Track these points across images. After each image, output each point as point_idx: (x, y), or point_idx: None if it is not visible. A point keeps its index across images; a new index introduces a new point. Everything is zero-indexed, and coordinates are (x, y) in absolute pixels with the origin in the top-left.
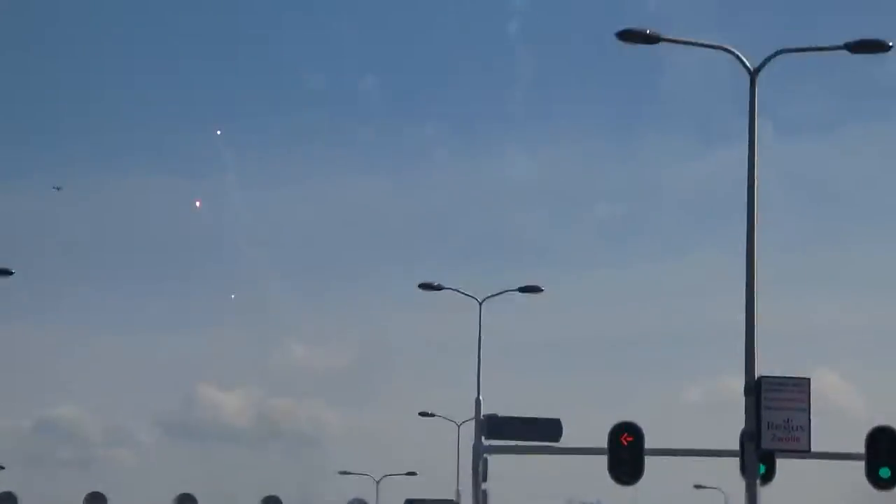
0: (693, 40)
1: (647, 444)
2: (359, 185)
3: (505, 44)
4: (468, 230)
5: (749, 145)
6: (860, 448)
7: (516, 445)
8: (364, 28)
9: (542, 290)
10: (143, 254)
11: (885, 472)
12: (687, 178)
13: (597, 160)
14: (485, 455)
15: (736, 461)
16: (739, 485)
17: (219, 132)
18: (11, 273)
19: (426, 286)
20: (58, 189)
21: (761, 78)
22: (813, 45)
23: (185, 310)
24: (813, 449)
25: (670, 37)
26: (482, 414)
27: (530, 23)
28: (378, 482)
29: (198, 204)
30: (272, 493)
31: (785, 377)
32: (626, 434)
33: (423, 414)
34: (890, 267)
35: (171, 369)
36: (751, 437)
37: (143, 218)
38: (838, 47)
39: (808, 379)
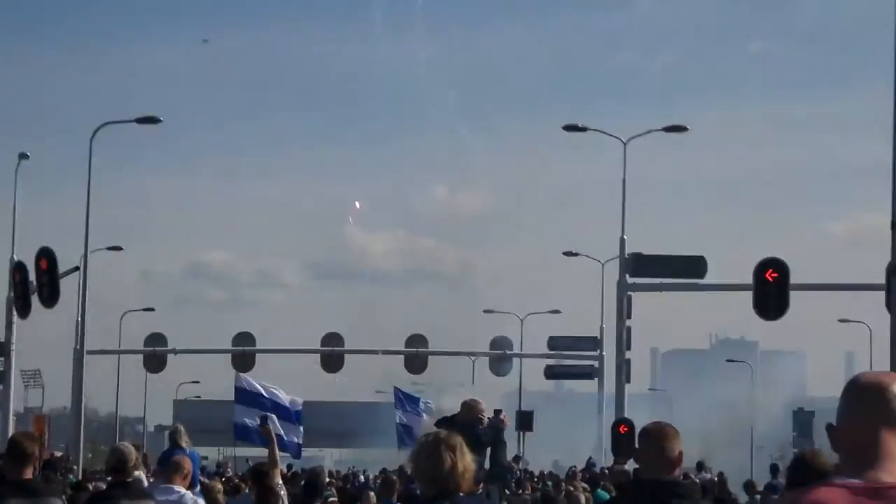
0: None
1: (792, 280)
2: (504, 31)
3: None
4: (612, 69)
5: None
6: None
7: (660, 283)
8: None
9: (688, 129)
10: (295, 102)
11: None
12: (836, 17)
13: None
14: (629, 293)
15: (881, 295)
16: (884, 318)
17: None
18: (159, 120)
19: (570, 127)
20: (205, 41)
21: None
22: None
23: (330, 155)
24: None
25: None
26: (626, 252)
27: None
28: (522, 320)
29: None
30: (418, 332)
31: None
32: (771, 269)
33: (567, 253)
34: None
35: (319, 214)
36: None
37: (293, 66)
38: None
39: None
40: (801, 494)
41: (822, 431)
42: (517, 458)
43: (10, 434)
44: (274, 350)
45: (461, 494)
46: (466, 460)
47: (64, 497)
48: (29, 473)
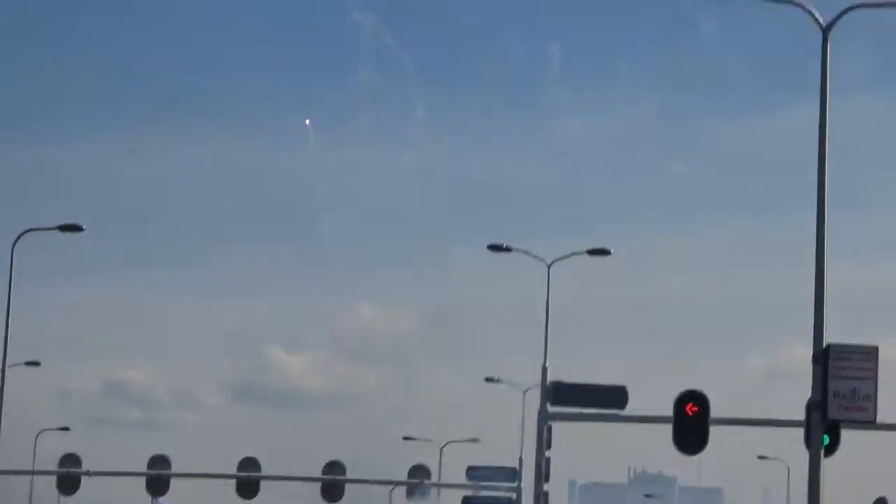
0: None
1: (713, 414)
2: (423, 150)
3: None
4: (537, 193)
5: (821, 103)
6: None
7: (581, 413)
8: None
9: (611, 253)
10: (213, 216)
11: None
12: (753, 140)
13: (664, 119)
14: (549, 422)
15: (800, 431)
16: (803, 455)
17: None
18: (82, 229)
19: (495, 247)
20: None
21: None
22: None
23: (251, 276)
24: (879, 420)
25: None
26: (548, 380)
27: None
28: (442, 448)
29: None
30: (335, 458)
31: (853, 345)
32: (691, 403)
33: (488, 379)
34: None
35: (239, 334)
36: (817, 406)
37: (212, 181)
38: None
39: (877, 347)
40: None
41: None
42: None
43: None
44: (189, 474)
45: None
46: None
47: None
48: None
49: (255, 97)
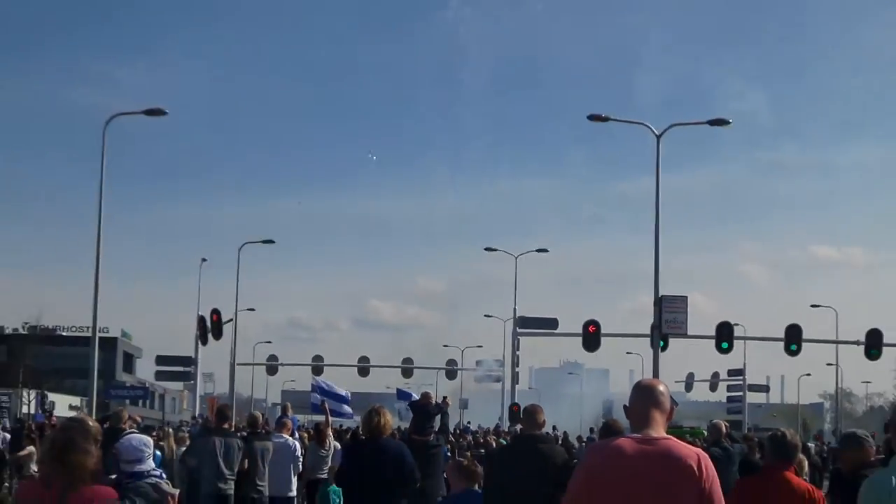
0: (617, 118)
1: (606, 330)
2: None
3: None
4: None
5: (656, 189)
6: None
7: (534, 332)
8: None
9: None
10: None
11: (724, 345)
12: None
13: None
14: (518, 338)
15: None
16: (649, 353)
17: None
18: None
19: None
20: None
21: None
22: (693, 121)
23: None
24: (689, 333)
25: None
26: (517, 316)
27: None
28: (462, 351)
29: None
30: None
31: (674, 295)
32: (592, 325)
33: (486, 315)
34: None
35: None
36: (656, 326)
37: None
38: (702, 122)
39: (686, 297)
40: (607, 441)
41: (621, 411)
42: (464, 427)
43: (198, 409)
44: (337, 364)
45: (387, 437)
46: (387, 418)
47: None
48: (226, 425)
49: None
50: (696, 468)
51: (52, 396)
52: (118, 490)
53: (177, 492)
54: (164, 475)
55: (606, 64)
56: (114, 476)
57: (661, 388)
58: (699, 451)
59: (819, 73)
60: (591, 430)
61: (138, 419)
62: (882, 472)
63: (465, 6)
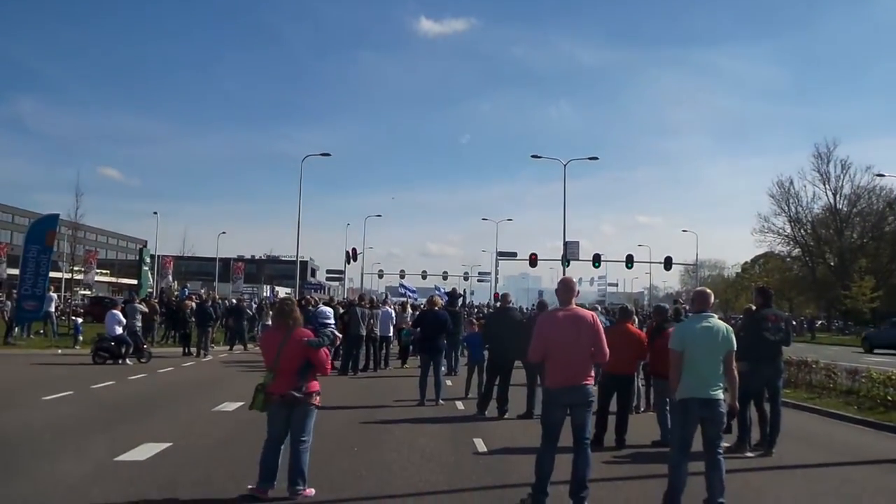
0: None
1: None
2: None
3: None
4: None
5: (563, 202)
6: None
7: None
8: None
9: None
10: None
11: (596, 265)
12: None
13: None
14: (498, 259)
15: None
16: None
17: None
18: None
19: None
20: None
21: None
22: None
23: None
24: (579, 258)
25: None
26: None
27: None
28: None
29: None
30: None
31: (571, 241)
32: (532, 254)
33: (483, 250)
34: None
35: None
36: (564, 256)
37: None
38: (592, 158)
39: (578, 241)
40: (550, 311)
41: (551, 296)
42: (471, 303)
43: (346, 295)
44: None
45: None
46: (436, 300)
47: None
48: (363, 302)
49: None
50: (590, 320)
51: (278, 289)
52: (314, 333)
53: (340, 336)
54: (336, 327)
55: None
56: (311, 327)
57: (572, 282)
58: (592, 312)
59: None
60: (532, 305)
61: (317, 298)
62: (684, 322)
63: None
